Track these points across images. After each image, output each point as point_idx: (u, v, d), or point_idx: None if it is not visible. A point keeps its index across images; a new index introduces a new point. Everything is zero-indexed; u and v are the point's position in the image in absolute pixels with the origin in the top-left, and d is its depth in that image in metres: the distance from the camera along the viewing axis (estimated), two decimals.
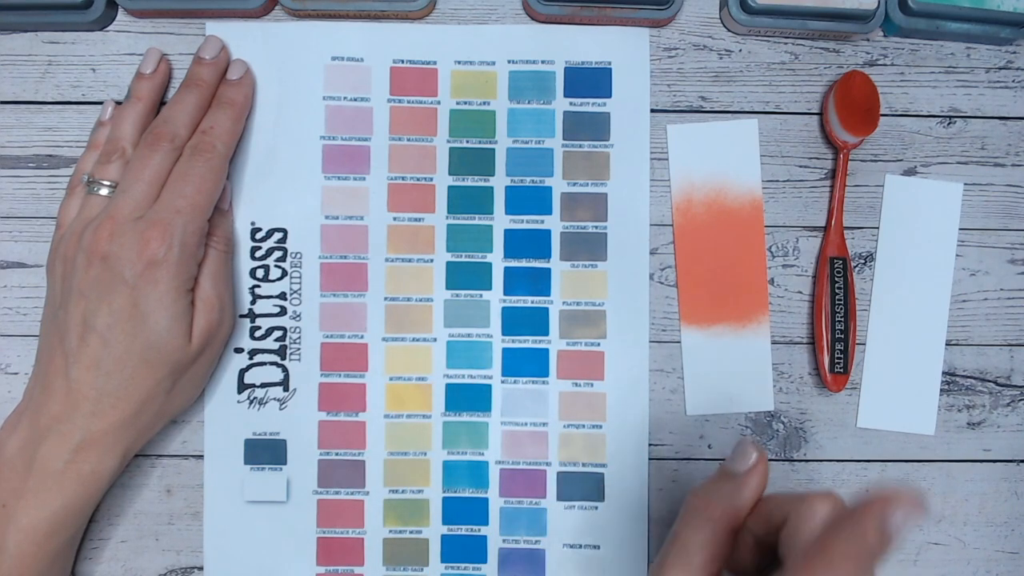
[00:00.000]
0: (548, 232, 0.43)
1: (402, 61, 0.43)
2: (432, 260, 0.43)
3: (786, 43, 0.44)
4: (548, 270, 0.43)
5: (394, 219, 0.43)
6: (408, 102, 0.43)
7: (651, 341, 0.43)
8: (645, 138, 0.44)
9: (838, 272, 0.43)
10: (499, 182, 0.43)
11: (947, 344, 0.44)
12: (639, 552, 0.43)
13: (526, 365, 0.43)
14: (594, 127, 0.43)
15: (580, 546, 0.43)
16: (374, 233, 0.43)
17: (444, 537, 0.43)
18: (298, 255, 0.43)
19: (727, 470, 0.32)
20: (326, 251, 0.43)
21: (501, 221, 0.43)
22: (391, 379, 0.43)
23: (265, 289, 0.43)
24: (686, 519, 0.31)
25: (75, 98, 0.43)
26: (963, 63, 0.45)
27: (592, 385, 0.43)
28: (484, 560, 0.42)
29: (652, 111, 0.44)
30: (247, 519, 0.42)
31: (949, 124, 0.44)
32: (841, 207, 0.43)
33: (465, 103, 0.43)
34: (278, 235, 0.43)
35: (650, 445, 0.43)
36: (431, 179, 0.43)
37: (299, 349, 0.43)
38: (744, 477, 0.31)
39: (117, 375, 0.36)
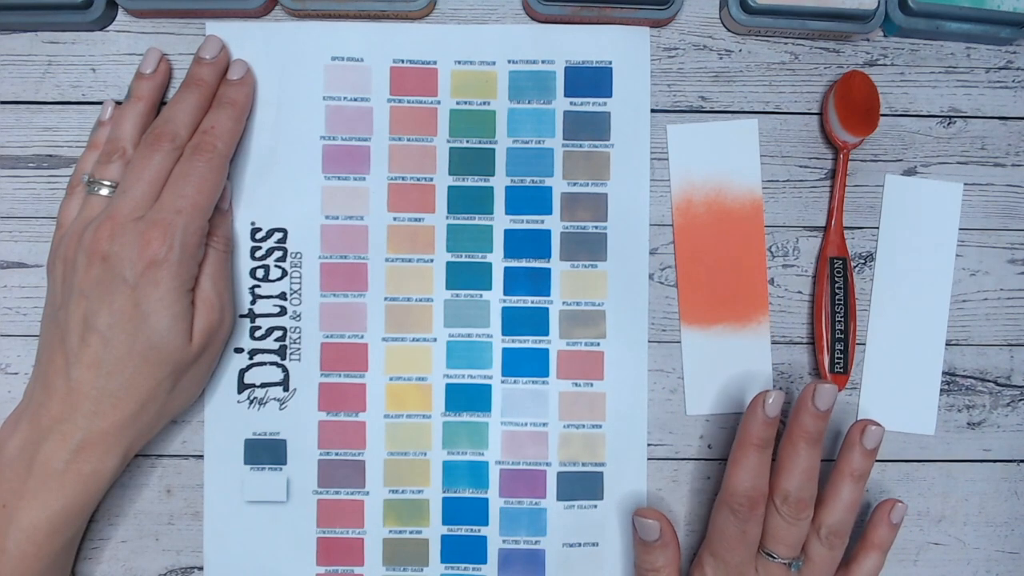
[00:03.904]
0: (548, 232, 0.43)
1: (402, 61, 0.43)
2: (432, 260, 0.43)
3: (786, 43, 0.44)
4: (548, 270, 0.43)
5: (394, 219, 0.43)
6: (408, 102, 0.43)
7: (651, 341, 0.43)
8: (645, 138, 0.44)
9: (838, 272, 0.43)
10: (499, 182, 0.43)
11: (947, 344, 0.44)
12: None
13: (526, 365, 0.43)
14: (594, 127, 0.43)
15: (579, 544, 0.43)
16: (374, 233, 0.43)
17: (444, 537, 0.43)
18: (298, 255, 0.43)
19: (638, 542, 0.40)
20: (326, 251, 0.43)
21: (501, 221, 0.43)
22: (391, 379, 0.43)
23: (265, 289, 0.43)
24: None
25: (75, 98, 0.43)
26: (963, 63, 0.45)
27: (592, 385, 0.43)
28: (484, 560, 0.42)
29: (652, 111, 0.44)
30: (247, 519, 0.42)
31: (949, 124, 0.44)
32: (841, 207, 0.43)
33: (465, 103, 0.43)
34: (278, 235, 0.43)
35: (650, 445, 0.43)
36: (431, 179, 0.43)
37: (299, 349, 0.43)
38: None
39: (118, 375, 0.36)
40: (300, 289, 0.43)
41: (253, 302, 0.43)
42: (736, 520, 0.38)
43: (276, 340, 0.43)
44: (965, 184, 0.44)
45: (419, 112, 0.43)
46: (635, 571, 0.41)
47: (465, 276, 0.43)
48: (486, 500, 0.43)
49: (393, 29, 0.43)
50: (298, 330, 0.43)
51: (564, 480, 0.43)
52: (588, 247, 0.43)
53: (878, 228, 0.44)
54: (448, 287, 0.43)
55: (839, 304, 0.43)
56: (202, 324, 0.38)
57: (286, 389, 0.43)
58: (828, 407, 0.38)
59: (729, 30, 0.44)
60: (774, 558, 0.39)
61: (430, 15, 0.44)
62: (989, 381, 0.44)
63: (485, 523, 0.43)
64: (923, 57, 0.45)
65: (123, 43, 0.43)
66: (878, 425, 0.39)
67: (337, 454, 0.43)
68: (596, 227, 0.43)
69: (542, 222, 0.43)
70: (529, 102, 0.43)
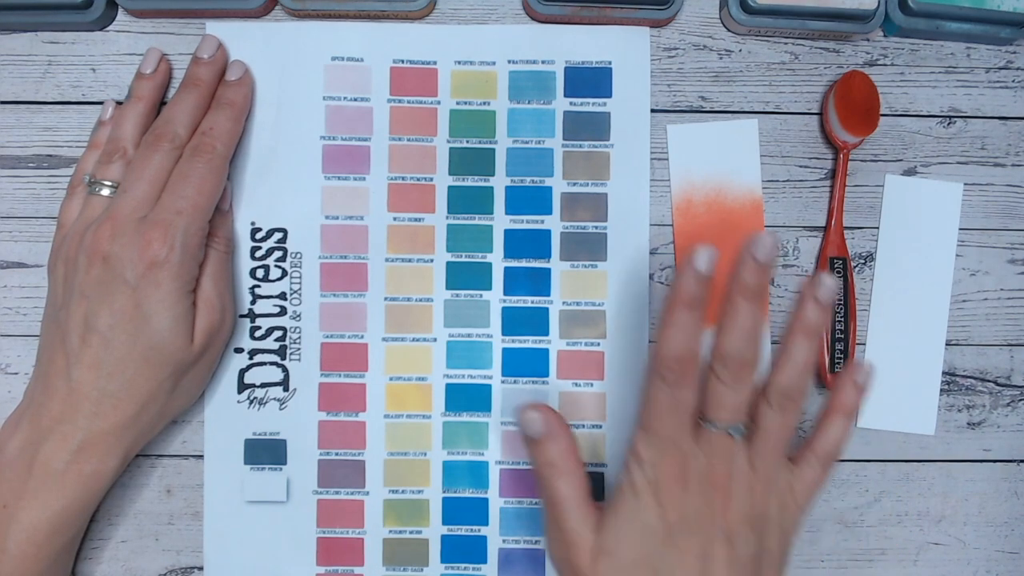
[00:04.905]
0: (548, 232, 0.43)
1: (402, 61, 0.43)
2: (432, 260, 0.43)
3: (786, 43, 0.44)
4: (548, 270, 0.43)
5: (394, 219, 0.43)
6: (408, 102, 0.43)
7: (651, 341, 0.43)
8: (645, 138, 0.44)
9: (838, 272, 0.43)
10: (499, 182, 0.43)
11: (947, 344, 0.44)
12: None
13: (526, 365, 0.43)
14: (594, 127, 0.43)
15: None
16: (374, 233, 0.43)
17: (444, 537, 0.43)
18: (298, 255, 0.43)
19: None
20: (326, 251, 0.43)
21: (501, 221, 0.43)
22: (391, 379, 0.43)
23: (265, 289, 0.43)
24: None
25: (75, 98, 0.43)
26: (963, 63, 0.45)
27: (592, 385, 0.43)
28: (484, 560, 0.42)
29: (652, 111, 0.44)
30: (247, 519, 0.42)
31: (949, 124, 0.44)
32: (841, 207, 0.43)
33: (465, 103, 0.43)
34: (278, 235, 0.43)
35: None
36: (431, 179, 0.43)
37: (299, 349, 0.43)
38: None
39: (119, 376, 0.36)
40: (300, 289, 0.43)
41: (253, 302, 0.43)
42: (666, 387, 0.34)
43: (276, 340, 0.43)
44: (965, 184, 0.44)
45: (419, 112, 0.43)
46: (536, 480, 0.38)
47: (465, 276, 0.43)
48: (486, 500, 0.43)
49: (393, 29, 0.43)
50: (298, 330, 0.43)
51: None
52: (588, 247, 0.43)
53: (878, 228, 0.44)
54: (448, 287, 0.43)
55: (839, 304, 0.43)
56: (203, 325, 0.38)
57: (286, 389, 0.43)
58: (768, 258, 0.35)
59: (729, 30, 0.44)
60: (714, 426, 0.35)
61: (430, 15, 0.44)
62: (989, 381, 0.44)
63: (485, 523, 0.43)
64: (923, 57, 0.45)
65: (123, 43, 0.43)
66: (832, 277, 0.36)
67: (337, 454, 0.43)
68: (596, 227, 0.43)
69: (542, 222, 0.43)
70: (529, 102, 0.43)
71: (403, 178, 0.43)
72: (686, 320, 0.34)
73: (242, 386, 0.42)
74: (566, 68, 0.43)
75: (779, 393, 0.35)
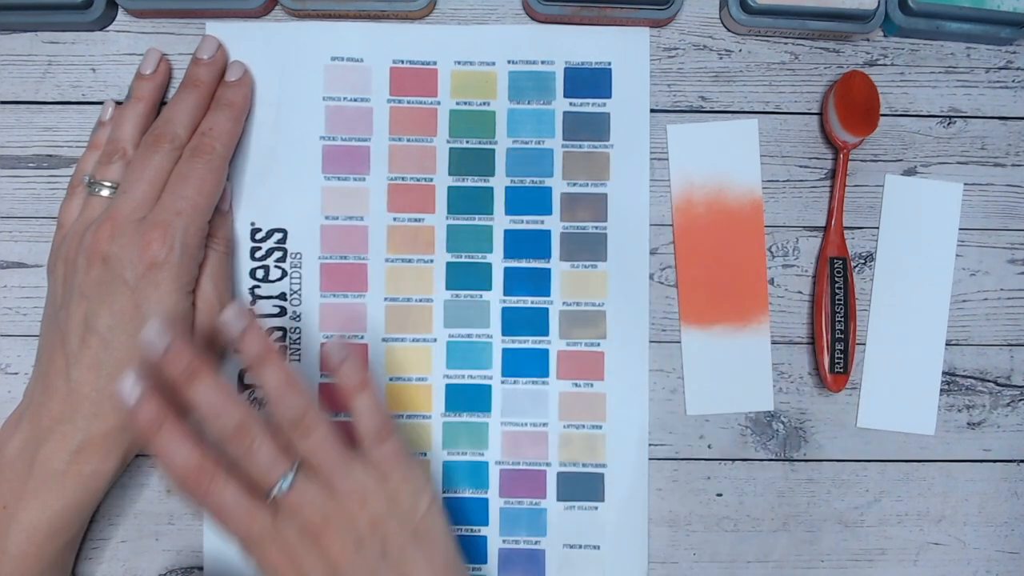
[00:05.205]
0: (548, 232, 0.43)
1: (402, 61, 0.43)
2: (432, 260, 0.43)
3: (786, 43, 0.44)
4: (548, 270, 0.43)
5: (394, 219, 0.43)
6: (408, 102, 0.43)
7: (651, 341, 0.43)
8: (645, 138, 0.44)
9: (838, 272, 0.43)
10: (499, 182, 0.43)
11: (947, 344, 0.44)
12: (639, 552, 0.43)
13: (526, 365, 0.43)
14: (594, 127, 0.43)
15: (580, 546, 0.43)
16: (374, 233, 0.43)
17: None
18: (298, 255, 0.43)
19: None
20: (326, 252, 0.43)
21: (501, 221, 0.43)
22: (391, 380, 0.43)
23: (265, 289, 0.43)
24: None
25: (75, 98, 0.43)
26: (963, 63, 0.45)
27: (592, 385, 0.43)
28: (484, 560, 0.42)
29: (652, 111, 0.44)
30: None
31: (949, 124, 0.44)
32: (841, 207, 0.43)
33: (465, 103, 0.43)
34: (278, 235, 0.43)
35: (650, 445, 0.43)
36: (431, 179, 0.43)
37: (299, 350, 0.43)
38: None
39: (118, 376, 0.36)
40: (300, 290, 0.43)
41: (253, 302, 0.43)
42: (206, 499, 0.33)
43: (276, 341, 0.43)
44: (965, 184, 0.44)
45: (419, 112, 0.43)
46: None
47: (465, 276, 0.43)
48: (486, 500, 0.43)
49: (393, 29, 0.43)
50: (298, 330, 0.43)
51: (564, 480, 0.43)
52: (588, 247, 0.43)
53: (878, 228, 0.44)
54: (448, 287, 0.43)
55: (839, 304, 0.43)
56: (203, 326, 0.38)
57: None
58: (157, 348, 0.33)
59: (729, 30, 0.44)
60: (272, 492, 0.34)
61: (430, 15, 0.43)
62: (989, 381, 0.44)
63: (485, 523, 0.43)
64: (923, 57, 0.45)
65: (123, 43, 0.43)
66: (234, 309, 0.34)
67: None
68: (596, 227, 0.43)
69: (542, 222, 0.43)
70: (529, 102, 0.43)
71: (403, 178, 0.43)
72: (168, 439, 0.33)
73: (242, 386, 0.42)
74: (566, 68, 0.43)
75: (289, 425, 0.34)
